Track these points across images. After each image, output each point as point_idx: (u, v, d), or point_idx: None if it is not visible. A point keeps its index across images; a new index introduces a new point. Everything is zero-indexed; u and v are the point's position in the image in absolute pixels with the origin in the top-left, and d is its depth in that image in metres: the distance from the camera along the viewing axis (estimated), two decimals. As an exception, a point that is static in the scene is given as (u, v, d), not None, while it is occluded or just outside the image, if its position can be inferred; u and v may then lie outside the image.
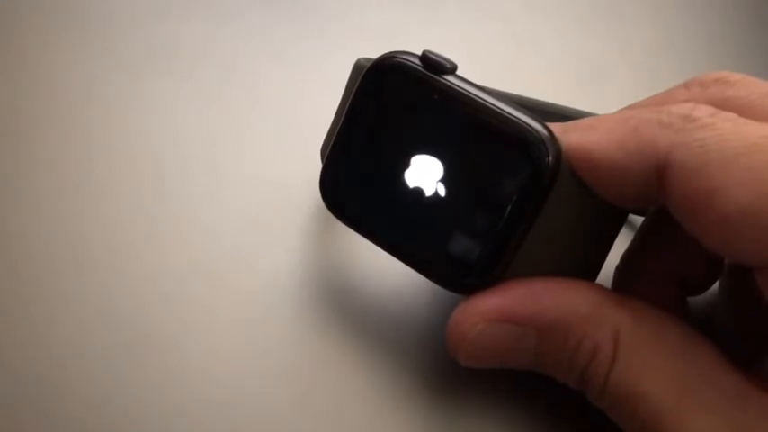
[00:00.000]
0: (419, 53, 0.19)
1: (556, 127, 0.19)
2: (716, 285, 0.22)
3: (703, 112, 0.17)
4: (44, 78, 0.28)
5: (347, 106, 0.20)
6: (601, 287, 0.18)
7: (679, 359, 0.17)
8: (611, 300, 0.18)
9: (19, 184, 0.25)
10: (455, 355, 0.19)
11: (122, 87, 0.28)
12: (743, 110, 0.17)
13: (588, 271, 0.20)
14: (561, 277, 0.18)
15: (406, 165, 0.19)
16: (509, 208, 0.18)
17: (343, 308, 0.23)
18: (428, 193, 0.19)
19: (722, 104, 0.18)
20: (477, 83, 0.18)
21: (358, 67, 0.22)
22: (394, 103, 0.19)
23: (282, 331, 0.22)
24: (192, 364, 0.21)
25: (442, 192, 0.18)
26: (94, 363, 0.21)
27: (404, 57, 0.19)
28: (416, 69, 0.18)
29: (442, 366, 0.22)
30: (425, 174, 0.19)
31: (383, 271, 0.24)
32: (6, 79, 0.28)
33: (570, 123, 0.19)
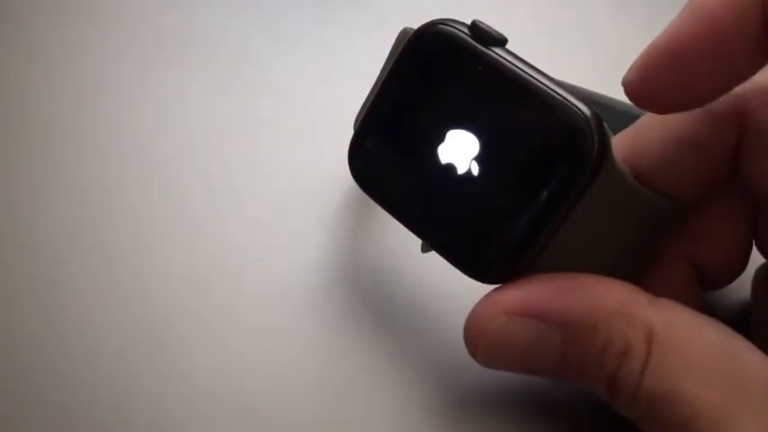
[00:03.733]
0: (468, 22, 0.18)
1: None
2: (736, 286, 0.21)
3: None
4: (53, 73, 0.27)
5: (387, 72, 0.19)
6: (631, 285, 0.17)
7: (720, 358, 0.16)
8: (642, 297, 0.17)
9: (31, 182, 0.24)
10: (473, 352, 0.18)
11: (134, 81, 0.27)
12: None
13: (627, 272, 0.19)
14: (590, 274, 0.17)
15: (441, 138, 0.18)
16: (545, 195, 0.17)
17: (366, 307, 0.22)
18: (461, 170, 0.18)
19: None
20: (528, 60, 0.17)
21: (403, 34, 0.21)
22: (436, 73, 0.18)
23: (303, 332, 0.22)
24: (209, 364, 0.21)
25: (476, 170, 0.17)
26: (110, 362, 0.21)
27: (452, 24, 0.18)
28: (464, 38, 0.17)
29: (469, 369, 0.20)
30: (460, 150, 0.18)
31: (409, 269, 0.23)
32: (14, 74, 0.27)
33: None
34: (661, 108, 0.18)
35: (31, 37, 0.28)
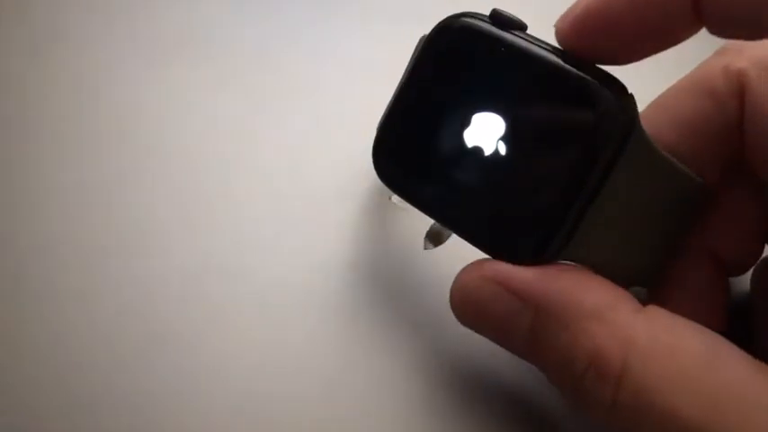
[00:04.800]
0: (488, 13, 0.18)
1: None
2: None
3: None
4: (51, 67, 0.27)
5: (409, 68, 0.19)
6: (621, 291, 0.17)
7: (705, 371, 0.15)
8: (627, 305, 0.17)
9: (29, 178, 0.24)
10: (452, 308, 0.18)
11: (133, 76, 0.27)
12: None
13: (660, 256, 0.19)
14: (589, 272, 0.17)
15: (467, 123, 0.18)
16: (573, 170, 0.17)
17: (375, 306, 0.22)
18: (488, 152, 0.18)
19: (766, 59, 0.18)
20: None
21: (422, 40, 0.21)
22: (459, 61, 0.18)
23: (307, 331, 0.21)
24: (210, 363, 0.21)
25: (503, 150, 0.18)
26: (111, 362, 0.20)
27: (472, 15, 0.18)
28: (485, 25, 0.18)
29: (480, 363, 0.21)
30: (486, 131, 0.18)
31: (418, 265, 0.23)
32: (13, 69, 0.27)
33: None
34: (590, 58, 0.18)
35: (29, 33, 0.28)
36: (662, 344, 0.16)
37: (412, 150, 0.19)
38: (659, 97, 0.21)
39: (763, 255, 0.21)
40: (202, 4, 0.29)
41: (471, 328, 0.18)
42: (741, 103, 0.19)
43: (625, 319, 0.16)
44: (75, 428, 0.19)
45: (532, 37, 0.18)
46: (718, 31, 0.17)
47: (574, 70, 0.17)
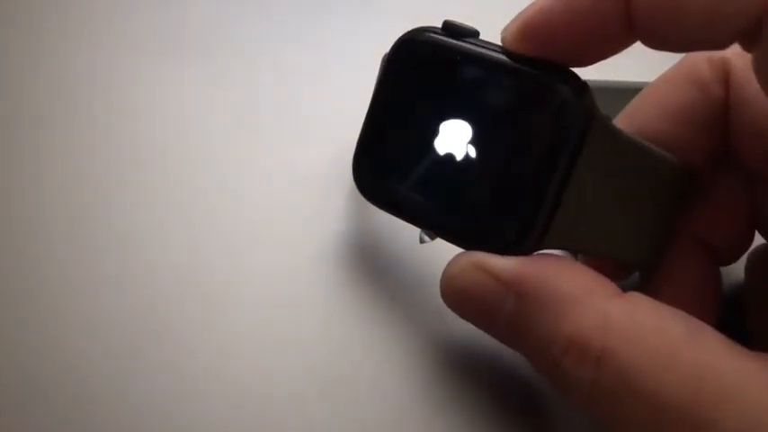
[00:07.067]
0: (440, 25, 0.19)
1: None
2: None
3: None
4: (45, 65, 0.27)
5: (376, 87, 0.20)
6: (599, 276, 0.17)
7: (689, 351, 0.15)
8: (605, 289, 0.17)
9: (22, 177, 0.24)
10: (441, 293, 0.18)
11: (128, 73, 0.27)
12: None
13: (652, 239, 0.19)
14: (571, 260, 0.18)
15: (436, 132, 0.19)
16: (539, 167, 0.17)
17: (372, 297, 0.22)
18: (459, 156, 0.19)
19: None
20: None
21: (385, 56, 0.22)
22: (420, 75, 0.19)
23: (305, 327, 0.22)
24: (204, 362, 0.21)
25: (473, 153, 0.18)
26: (108, 361, 0.20)
27: (425, 29, 0.19)
28: (439, 37, 0.19)
29: (480, 358, 0.21)
30: (455, 138, 0.19)
31: (415, 259, 0.23)
32: (6, 66, 0.27)
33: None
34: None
35: (18, 30, 0.28)
36: (642, 326, 0.16)
37: (388, 165, 0.20)
38: (647, 88, 0.21)
39: (756, 243, 0.21)
40: (199, 1, 0.29)
41: (459, 313, 0.18)
42: (726, 91, 0.19)
43: (603, 303, 0.16)
44: (73, 428, 0.19)
45: (485, 42, 0.19)
46: (649, 45, 0.17)
47: (527, 68, 0.18)
